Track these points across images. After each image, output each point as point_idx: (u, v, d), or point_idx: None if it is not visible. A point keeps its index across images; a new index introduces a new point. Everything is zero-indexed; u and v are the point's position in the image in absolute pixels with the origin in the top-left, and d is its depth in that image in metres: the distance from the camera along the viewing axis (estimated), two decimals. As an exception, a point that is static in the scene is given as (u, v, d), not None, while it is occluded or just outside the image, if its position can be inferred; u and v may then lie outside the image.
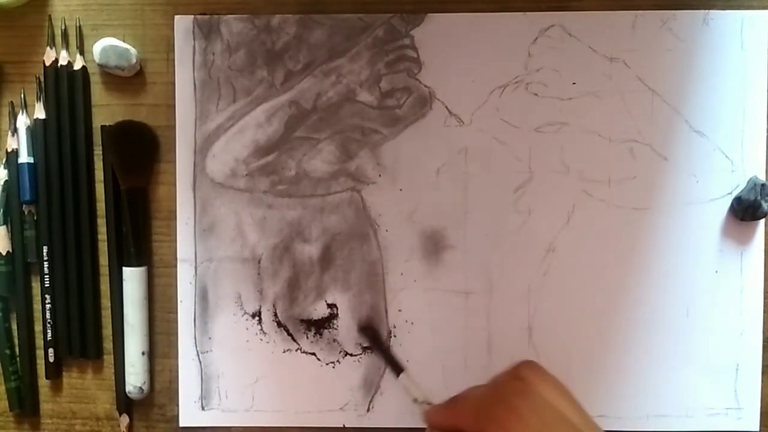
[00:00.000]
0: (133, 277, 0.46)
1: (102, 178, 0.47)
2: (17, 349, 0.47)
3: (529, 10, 0.46)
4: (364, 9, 0.46)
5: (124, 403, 0.47)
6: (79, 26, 0.46)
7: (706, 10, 0.46)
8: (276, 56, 0.46)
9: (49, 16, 0.46)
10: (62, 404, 0.48)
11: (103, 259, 0.47)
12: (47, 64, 0.46)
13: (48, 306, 0.46)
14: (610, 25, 0.46)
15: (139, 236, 0.46)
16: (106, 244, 0.47)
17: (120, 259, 0.46)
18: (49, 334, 0.46)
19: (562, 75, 0.46)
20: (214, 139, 0.47)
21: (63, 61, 0.46)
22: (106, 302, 0.47)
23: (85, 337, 0.47)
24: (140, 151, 0.46)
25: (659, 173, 0.46)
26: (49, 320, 0.46)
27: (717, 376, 0.46)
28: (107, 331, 0.47)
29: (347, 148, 0.46)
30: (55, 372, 0.47)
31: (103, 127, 0.46)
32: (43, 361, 0.47)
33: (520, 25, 0.46)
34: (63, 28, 0.46)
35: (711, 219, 0.46)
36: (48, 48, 0.46)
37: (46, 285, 0.46)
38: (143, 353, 0.46)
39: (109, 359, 0.47)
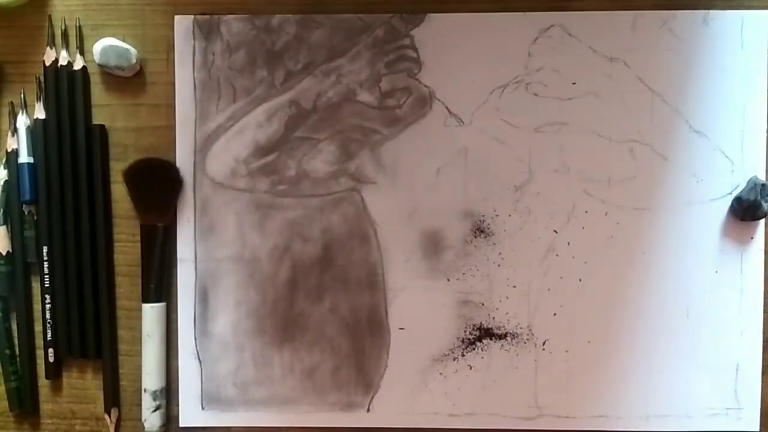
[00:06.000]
0: (152, 314, 0.46)
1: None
2: (17, 349, 0.47)
3: (529, 10, 0.46)
4: (364, 9, 0.46)
5: (112, 402, 0.47)
6: (79, 26, 0.46)
7: (706, 10, 0.46)
8: (276, 56, 0.46)
9: (50, 16, 0.46)
10: (62, 404, 0.48)
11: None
12: (47, 64, 0.46)
13: (48, 306, 0.46)
14: (610, 25, 0.46)
15: (162, 272, 0.46)
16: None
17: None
18: (49, 334, 0.46)
19: (562, 75, 0.46)
20: (214, 139, 0.47)
21: (63, 61, 0.46)
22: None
23: (84, 337, 0.47)
24: (162, 189, 0.46)
25: (659, 173, 0.46)
26: (49, 320, 0.46)
27: (717, 376, 0.46)
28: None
29: (347, 148, 0.46)
30: (54, 372, 0.47)
31: (127, 168, 0.46)
32: (43, 361, 0.47)
33: (520, 25, 0.46)
34: (63, 28, 0.46)
35: (711, 219, 0.46)
36: (48, 48, 0.46)
37: (46, 285, 0.46)
38: (159, 391, 0.46)
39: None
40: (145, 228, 0.46)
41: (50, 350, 0.46)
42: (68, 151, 0.46)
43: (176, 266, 0.47)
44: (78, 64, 0.46)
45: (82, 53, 0.46)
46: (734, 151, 0.46)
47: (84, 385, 0.48)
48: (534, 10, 0.46)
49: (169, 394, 0.47)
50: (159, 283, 0.46)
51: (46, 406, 0.48)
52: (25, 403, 0.47)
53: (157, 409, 0.46)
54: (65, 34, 0.46)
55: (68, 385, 0.48)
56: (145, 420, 0.46)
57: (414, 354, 0.46)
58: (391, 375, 0.46)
